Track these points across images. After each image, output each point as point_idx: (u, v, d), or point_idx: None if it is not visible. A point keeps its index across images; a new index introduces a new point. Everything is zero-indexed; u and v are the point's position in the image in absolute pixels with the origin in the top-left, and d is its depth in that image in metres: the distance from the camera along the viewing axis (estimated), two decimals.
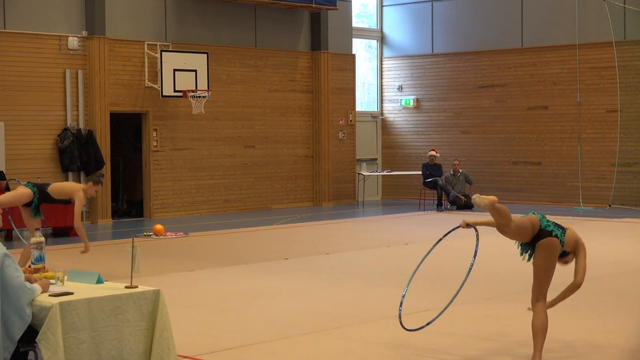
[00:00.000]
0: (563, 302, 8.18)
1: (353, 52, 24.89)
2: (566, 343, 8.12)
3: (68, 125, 19.02)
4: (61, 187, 12.31)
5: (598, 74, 22.11)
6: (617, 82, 21.62)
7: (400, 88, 25.72)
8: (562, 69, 22.68)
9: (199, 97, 20.36)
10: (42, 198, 11.86)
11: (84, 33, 19.32)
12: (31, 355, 6.41)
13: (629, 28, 21.42)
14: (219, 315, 9.49)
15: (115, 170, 20.84)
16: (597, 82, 22.15)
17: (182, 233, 17.10)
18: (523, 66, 23.33)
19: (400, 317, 7.92)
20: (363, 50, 26.05)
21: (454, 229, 8.58)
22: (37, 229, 7.69)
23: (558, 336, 8.32)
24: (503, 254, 13.73)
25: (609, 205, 21.56)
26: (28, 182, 12.31)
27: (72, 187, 12.21)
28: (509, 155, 23.65)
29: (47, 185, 12.10)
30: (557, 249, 7.57)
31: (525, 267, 12.06)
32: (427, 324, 7.94)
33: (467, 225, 8.35)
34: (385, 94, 26.14)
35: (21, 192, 11.90)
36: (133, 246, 6.51)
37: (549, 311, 7.54)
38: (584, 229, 17.33)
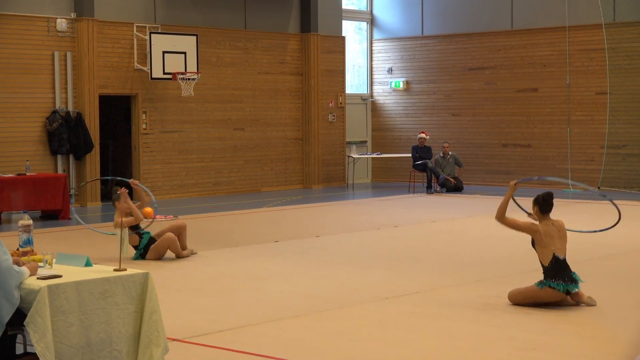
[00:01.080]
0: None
1: (343, 34, 24.83)
2: (556, 323, 8.14)
3: (57, 107, 18.93)
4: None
5: (587, 56, 22.11)
6: (606, 64, 21.62)
7: (390, 70, 25.69)
8: (552, 51, 22.68)
9: (189, 79, 20.29)
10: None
11: (73, 15, 19.21)
12: (19, 338, 6.40)
13: (619, 10, 21.41)
14: (209, 298, 9.48)
15: (104, 153, 20.78)
16: (586, 64, 22.15)
17: (171, 216, 17.07)
18: (513, 48, 23.32)
19: None
20: (353, 33, 25.99)
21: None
22: (24, 212, 7.64)
23: (551, 315, 8.34)
24: (494, 237, 13.77)
25: (598, 188, 21.59)
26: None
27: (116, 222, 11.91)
28: (499, 138, 23.66)
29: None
30: None
31: (513, 250, 12.11)
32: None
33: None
34: (375, 76, 26.11)
35: None
36: (122, 229, 6.49)
37: None
38: (573, 211, 17.38)
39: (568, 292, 8.69)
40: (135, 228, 11.90)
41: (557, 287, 8.65)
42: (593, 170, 21.97)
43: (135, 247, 11.99)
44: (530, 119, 23.16)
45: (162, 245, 11.97)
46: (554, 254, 8.72)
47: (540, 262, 8.84)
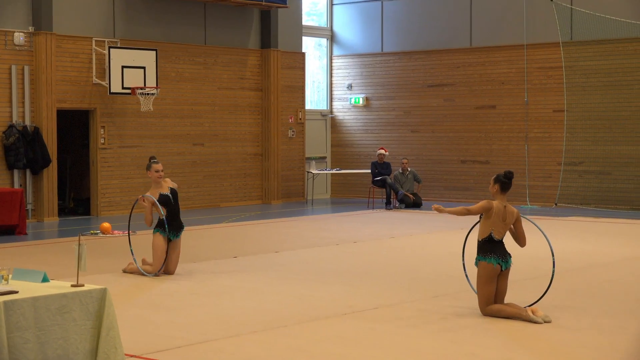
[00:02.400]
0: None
1: (303, 50, 24.88)
2: (511, 335, 8.19)
3: (14, 122, 18.77)
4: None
5: (545, 74, 22.33)
6: (563, 82, 21.86)
7: (349, 87, 25.77)
8: (510, 69, 22.88)
9: (148, 94, 20.23)
10: None
11: (31, 28, 19.08)
12: None
13: (576, 29, 21.66)
14: (167, 314, 9.42)
15: (62, 168, 20.64)
16: (544, 82, 22.37)
17: (130, 231, 16.94)
18: (471, 66, 23.50)
19: None
20: (313, 49, 26.06)
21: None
22: None
23: (503, 329, 8.39)
24: (452, 254, 13.83)
25: (555, 204, 21.79)
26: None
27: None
28: (457, 154, 23.81)
29: None
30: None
31: (470, 268, 12.16)
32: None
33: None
34: (334, 92, 26.18)
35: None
36: (79, 244, 6.44)
37: None
38: (531, 227, 17.49)
39: (501, 268, 9.03)
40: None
41: (490, 260, 9.00)
42: (550, 187, 22.17)
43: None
44: (488, 135, 23.33)
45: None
46: (490, 233, 9.07)
47: (477, 237, 9.20)
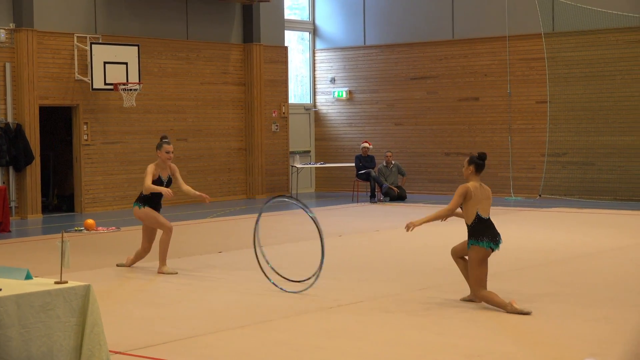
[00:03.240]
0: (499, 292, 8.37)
1: (285, 44, 24.85)
2: (500, 331, 8.20)
3: None
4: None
5: (528, 66, 22.38)
6: (546, 73, 21.92)
7: (332, 80, 25.77)
8: (493, 61, 22.92)
9: (130, 90, 20.17)
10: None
11: (12, 25, 18.99)
12: None
13: (557, 20, 21.71)
14: (153, 310, 9.40)
15: (45, 165, 20.57)
16: (526, 73, 22.42)
17: (114, 228, 16.93)
18: (454, 58, 23.53)
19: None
20: (295, 43, 26.03)
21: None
22: None
23: (493, 324, 8.41)
24: (436, 247, 13.86)
25: (539, 195, 21.85)
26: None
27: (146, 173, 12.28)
28: (441, 147, 23.84)
29: None
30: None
31: (449, 260, 12.16)
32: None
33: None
34: (318, 86, 26.17)
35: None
36: (63, 241, 6.40)
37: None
38: (516, 218, 17.56)
39: (492, 250, 9.16)
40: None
41: (482, 244, 9.09)
42: (534, 179, 22.22)
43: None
44: (471, 127, 23.37)
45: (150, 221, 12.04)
46: (477, 213, 9.19)
47: (466, 223, 9.30)
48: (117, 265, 12.31)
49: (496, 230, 9.23)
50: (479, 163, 9.34)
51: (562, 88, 21.72)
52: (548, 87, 21.90)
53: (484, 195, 9.28)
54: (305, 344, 7.82)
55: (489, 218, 9.25)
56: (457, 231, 15.72)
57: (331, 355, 7.44)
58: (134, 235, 15.94)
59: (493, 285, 9.67)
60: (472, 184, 9.28)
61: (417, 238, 15.14)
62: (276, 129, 24.45)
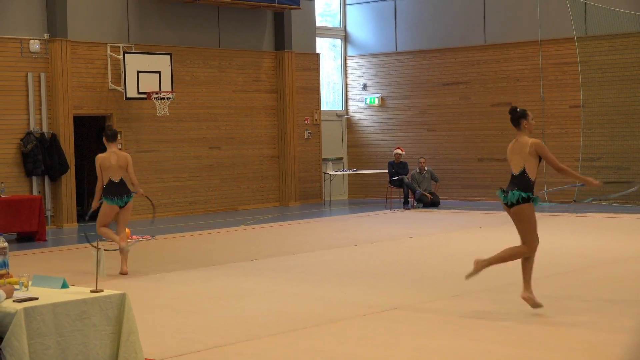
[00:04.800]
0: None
1: (317, 51, 24.91)
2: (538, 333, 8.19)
3: (31, 129, 18.87)
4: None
5: (560, 70, 22.28)
6: (579, 77, 21.80)
7: (364, 87, 25.78)
8: (525, 66, 22.84)
9: (163, 98, 20.29)
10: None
11: (46, 36, 19.18)
12: None
13: (590, 23, 21.60)
14: (187, 318, 9.46)
15: (80, 174, 20.72)
16: (559, 77, 22.32)
17: (148, 236, 17.03)
18: (486, 63, 23.47)
19: None
20: (327, 49, 26.08)
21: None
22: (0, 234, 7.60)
23: (533, 327, 8.40)
24: (470, 253, 13.83)
25: (574, 201, 21.73)
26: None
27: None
28: (474, 152, 23.77)
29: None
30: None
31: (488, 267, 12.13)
32: None
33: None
34: (350, 92, 26.19)
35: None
36: (98, 250, 6.47)
37: None
38: (550, 224, 17.49)
39: (506, 204, 9.29)
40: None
41: (499, 196, 9.39)
42: (568, 183, 22.07)
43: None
44: (505, 132, 23.25)
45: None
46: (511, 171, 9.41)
47: (531, 177, 9.32)
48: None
49: (514, 188, 9.31)
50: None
51: (596, 92, 21.59)
52: (581, 91, 21.78)
53: (515, 150, 9.62)
54: (338, 352, 7.84)
55: (515, 174, 9.40)
56: (490, 238, 15.70)
57: None
58: (168, 244, 16.05)
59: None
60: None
61: (451, 245, 15.13)
62: (309, 136, 24.49)
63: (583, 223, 17.70)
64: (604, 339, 8.05)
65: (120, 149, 12.96)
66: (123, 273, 12.39)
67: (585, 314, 9.03)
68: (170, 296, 10.83)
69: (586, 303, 9.68)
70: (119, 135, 12.89)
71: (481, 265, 9.41)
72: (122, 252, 12.51)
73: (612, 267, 12.35)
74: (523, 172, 9.21)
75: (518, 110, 9.63)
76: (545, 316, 9.00)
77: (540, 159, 9.24)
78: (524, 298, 9.18)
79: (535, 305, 9.09)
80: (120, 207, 12.64)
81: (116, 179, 12.60)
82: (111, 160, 12.59)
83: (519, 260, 9.30)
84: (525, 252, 9.23)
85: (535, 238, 9.18)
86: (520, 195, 9.14)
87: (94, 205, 13.02)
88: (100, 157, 12.66)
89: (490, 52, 23.38)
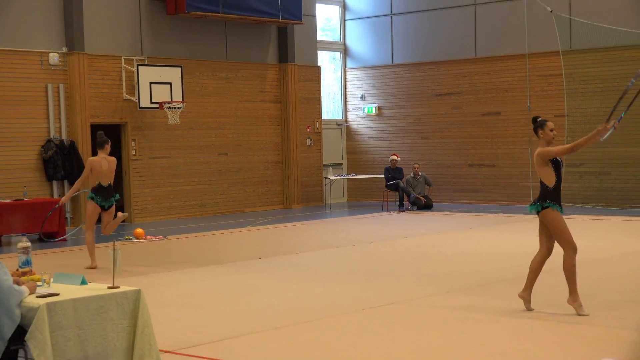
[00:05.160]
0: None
1: (318, 64, 24.95)
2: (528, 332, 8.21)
3: (51, 136, 18.92)
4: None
5: (546, 82, 22.31)
6: (564, 88, 21.83)
7: (362, 97, 25.81)
8: (513, 77, 22.86)
9: (174, 108, 20.32)
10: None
11: (64, 49, 19.23)
12: (21, 352, 6.41)
13: (575, 38, 21.62)
14: (197, 312, 9.50)
15: None
16: (545, 89, 22.35)
17: (161, 236, 17.07)
18: (477, 75, 23.50)
19: None
20: (328, 62, 26.12)
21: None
22: (23, 235, 7.65)
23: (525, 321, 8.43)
24: (462, 252, 13.86)
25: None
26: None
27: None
28: (465, 158, 23.80)
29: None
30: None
31: (480, 264, 12.21)
32: None
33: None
34: (349, 102, 26.22)
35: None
36: (114, 249, 6.52)
37: None
38: (535, 226, 17.46)
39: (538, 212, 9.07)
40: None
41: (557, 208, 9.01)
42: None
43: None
44: (494, 140, 23.32)
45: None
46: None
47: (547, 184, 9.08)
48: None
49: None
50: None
51: (579, 102, 21.62)
52: (566, 102, 21.81)
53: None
54: (338, 344, 7.88)
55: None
56: (479, 238, 15.72)
57: (362, 355, 7.49)
58: (179, 244, 16.08)
59: (512, 290, 9.69)
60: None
61: (443, 245, 15.16)
62: (310, 143, 24.52)
63: (568, 225, 17.70)
64: (594, 334, 8.08)
65: (109, 154, 13.12)
66: (92, 267, 12.83)
67: (569, 310, 9.05)
68: (182, 292, 10.86)
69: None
70: (107, 144, 13.00)
71: (574, 301, 8.91)
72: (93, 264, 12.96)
73: (595, 265, 12.38)
74: (541, 181, 9.02)
75: (537, 120, 9.29)
76: (533, 312, 9.03)
77: (552, 163, 8.95)
78: (520, 296, 9.13)
79: (529, 308, 9.04)
80: (104, 210, 12.79)
81: (105, 183, 12.89)
82: (102, 166, 12.84)
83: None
84: (568, 258, 8.93)
85: (567, 242, 8.92)
86: (538, 206, 8.99)
87: (64, 199, 13.88)
88: (92, 160, 12.97)
89: (481, 64, 23.42)
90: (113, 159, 13.05)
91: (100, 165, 12.81)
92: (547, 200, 8.93)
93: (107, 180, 12.87)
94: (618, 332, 8.07)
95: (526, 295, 9.09)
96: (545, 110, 22.29)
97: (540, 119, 9.27)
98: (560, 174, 8.99)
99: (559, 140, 21.99)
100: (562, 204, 9.06)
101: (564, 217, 9.11)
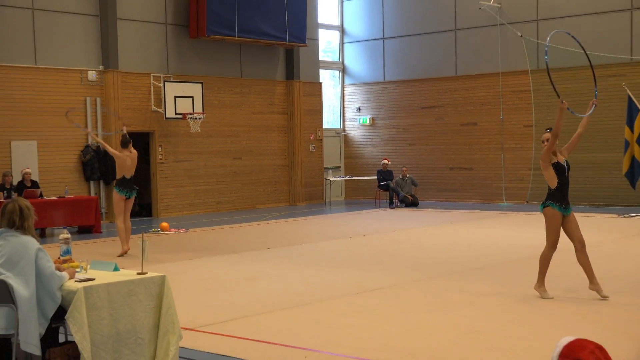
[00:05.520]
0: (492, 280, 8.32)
1: (320, 81, 24.94)
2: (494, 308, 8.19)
3: (89, 143, 18.92)
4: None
5: (517, 96, 22.29)
6: (532, 102, 21.82)
7: (358, 109, 25.80)
8: (489, 93, 22.85)
9: (196, 118, 20.33)
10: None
11: (101, 67, 19.23)
12: (61, 330, 6.41)
13: (541, 58, 21.61)
14: (214, 295, 9.49)
15: None
16: (516, 102, 22.33)
17: (183, 229, 17.06)
18: (457, 90, 23.48)
19: None
20: (328, 79, 26.11)
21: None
22: (64, 227, 7.63)
23: (487, 303, 8.41)
24: (444, 243, 13.83)
25: (527, 202, 21.74)
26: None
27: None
28: (447, 163, 23.78)
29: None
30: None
31: (459, 253, 12.17)
32: None
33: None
34: (346, 114, 26.21)
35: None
36: (143, 240, 6.51)
37: None
38: (507, 221, 17.49)
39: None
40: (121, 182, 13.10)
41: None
42: (522, 188, 22.12)
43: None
44: (471, 147, 23.30)
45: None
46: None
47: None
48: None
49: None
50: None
51: (545, 114, 21.60)
52: (533, 114, 21.80)
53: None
54: (336, 322, 7.87)
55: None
56: (459, 231, 15.70)
57: (357, 331, 7.49)
58: (199, 235, 16.07)
59: (487, 276, 9.66)
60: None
61: (428, 237, 15.14)
62: (313, 149, 24.51)
63: (534, 220, 17.71)
64: (558, 313, 8.07)
65: (131, 151, 13.29)
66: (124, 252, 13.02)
67: (535, 295, 9.04)
68: (201, 277, 10.86)
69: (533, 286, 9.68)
70: (130, 143, 13.36)
71: (539, 287, 8.79)
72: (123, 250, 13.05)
73: (560, 255, 12.36)
74: (547, 184, 8.85)
75: (546, 131, 8.92)
76: (505, 294, 9.02)
77: (555, 167, 8.76)
78: (536, 289, 8.88)
79: (548, 296, 8.71)
80: (127, 199, 13.00)
81: (128, 176, 13.18)
82: (126, 162, 13.13)
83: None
84: (546, 251, 8.83)
85: (549, 239, 8.76)
86: (541, 205, 8.85)
87: (97, 138, 14.67)
88: (120, 155, 13.16)
89: (460, 81, 23.41)
90: (135, 153, 13.36)
91: (124, 161, 13.07)
92: (549, 200, 8.81)
93: (129, 173, 13.21)
94: (576, 310, 8.05)
95: (538, 286, 8.84)
96: (516, 121, 22.30)
97: (548, 129, 8.97)
98: (565, 177, 8.76)
99: (528, 146, 22.02)
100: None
101: (576, 214, 8.95)
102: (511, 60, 22.26)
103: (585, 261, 8.73)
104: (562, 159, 8.81)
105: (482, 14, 22.69)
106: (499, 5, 22.31)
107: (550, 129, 8.83)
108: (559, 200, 8.77)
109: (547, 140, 8.80)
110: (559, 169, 8.79)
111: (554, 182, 8.76)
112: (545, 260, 8.82)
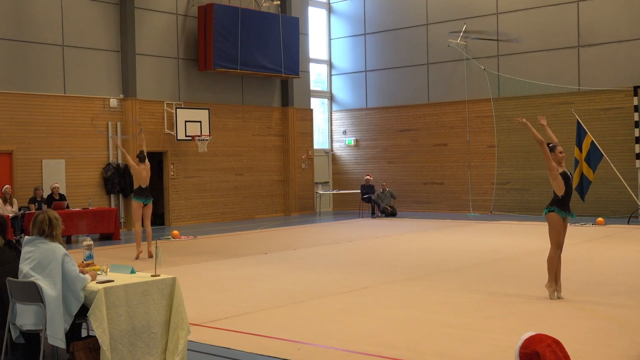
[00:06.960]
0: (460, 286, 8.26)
1: (311, 107, 24.95)
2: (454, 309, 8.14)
3: (110, 161, 18.84)
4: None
5: (481, 121, 22.34)
6: (494, 126, 21.87)
7: (344, 132, 25.80)
8: (457, 118, 22.89)
9: (203, 140, 20.29)
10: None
11: (121, 96, 19.19)
12: (84, 325, 6.33)
13: (502, 88, 21.70)
14: (219, 294, 9.42)
15: None
16: (480, 126, 22.38)
17: (192, 236, 16.98)
18: (429, 116, 23.52)
19: None
20: (318, 106, 26.12)
21: None
22: (87, 235, 7.56)
23: (451, 306, 8.36)
24: (420, 248, 13.79)
25: (491, 212, 21.75)
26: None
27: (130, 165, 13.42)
28: (421, 178, 23.78)
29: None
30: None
31: (433, 257, 12.12)
32: None
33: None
34: (334, 136, 26.20)
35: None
36: (157, 246, 6.46)
37: None
38: (474, 229, 17.48)
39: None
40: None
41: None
42: (487, 200, 22.13)
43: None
44: (442, 165, 23.32)
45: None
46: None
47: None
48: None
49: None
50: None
51: (505, 136, 21.66)
52: (496, 136, 21.85)
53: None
54: (326, 318, 7.82)
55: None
56: (432, 237, 15.67)
57: (344, 326, 7.44)
58: (207, 243, 15.99)
59: (457, 277, 9.61)
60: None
61: (405, 243, 15.10)
62: (305, 167, 24.48)
63: (496, 228, 17.71)
64: (532, 309, 8.03)
65: (146, 164, 13.30)
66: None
67: (499, 291, 9.01)
68: (207, 279, 10.79)
69: (506, 281, 9.65)
70: (146, 158, 13.36)
71: (549, 287, 8.54)
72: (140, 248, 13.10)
73: (520, 258, 12.35)
74: (553, 191, 8.52)
75: (549, 145, 8.44)
76: (476, 291, 8.98)
77: (562, 176, 8.39)
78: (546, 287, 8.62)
79: (558, 296, 8.49)
80: (144, 205, 13.09)
81: (143, 186, 13.21)
82: (142, 174, 13.21)
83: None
84: (552, 253, 8.47)
85: (553, 241, 8.42)
86: (546, 210, 8.54)
87: (118, 141, 14.79)
88: (137, 168, 13.18)
89: (432, 108, 23.45)
90: (149, 165, 13.37)
91: (140, 173, 13.10)
92: (553, 206, 8.47)
93: (145, 183, 13.22)
94: (537, 307, 8.02)
95: (549, 285, 8.56)
96: (480, 142, 22.33)
97: (551, 144, 8.55)
98: (570, 185, 8.46)
99: (490, 165, 22.04)
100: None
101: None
102: (476, 90, 22.33)
103: (558, 263, 8.57)
104: (565, 170, 8.54)
105: (451, 51, 22.77)
106: (465, 43, 22.41)
107: (549, 143, 8.53)
108: (562, 206, 8.47)
109: (562, 152, 8.51)
110: (566, 178, 8.48)
111: (561, 190, 8.42)
112: (552, 262, 8.50)
